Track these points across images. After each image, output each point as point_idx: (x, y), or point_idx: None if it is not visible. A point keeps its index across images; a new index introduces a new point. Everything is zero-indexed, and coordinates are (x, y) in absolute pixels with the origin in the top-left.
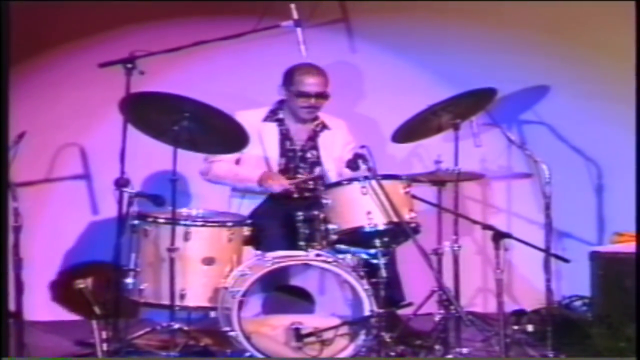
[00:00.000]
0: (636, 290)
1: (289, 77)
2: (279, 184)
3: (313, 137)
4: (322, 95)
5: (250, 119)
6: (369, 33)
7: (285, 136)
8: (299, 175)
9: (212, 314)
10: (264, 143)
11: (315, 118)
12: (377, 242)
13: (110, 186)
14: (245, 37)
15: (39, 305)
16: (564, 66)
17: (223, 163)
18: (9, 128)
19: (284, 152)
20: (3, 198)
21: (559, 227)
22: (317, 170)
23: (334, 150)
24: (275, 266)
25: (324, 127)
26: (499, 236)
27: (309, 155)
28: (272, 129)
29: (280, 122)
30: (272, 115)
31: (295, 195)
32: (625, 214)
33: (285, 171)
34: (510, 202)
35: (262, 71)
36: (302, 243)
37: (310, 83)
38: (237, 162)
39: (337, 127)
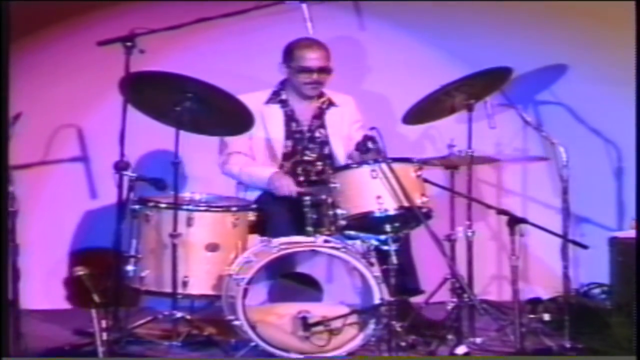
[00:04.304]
0: (636, 282)
1: (289, 53)
2: (288, 190)
3: (319, 115)
4: (325, 70)
5: (252, 102)
6: (379, 9)
7: (290, 117)
8: (307, 157)
9: (216, 302)
10: (268, 127)
11: (321, 95)
12: (388, 227)
13: (110, 169)
14: (250, 14)
15: (36, 293)
16: (582, 44)
17: (240, 157)
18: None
19: (289, 134)
20: (3, 186)
21: (577, 211)
22: (326, 150)
23: (342, 128)
24: (282, 253)
25: (331, 104)
26: (514, 221)
27: (317, 134)
28: (276, 111)
29: (284, 103)
30: (274, 97)
31: (301, 179)
32: None
33: (292, 153)
34: (526, 186)
35: (267, 50)
36: (309, 228)
37: (312, 58)
38: (250, 149)
39: (344, 104)
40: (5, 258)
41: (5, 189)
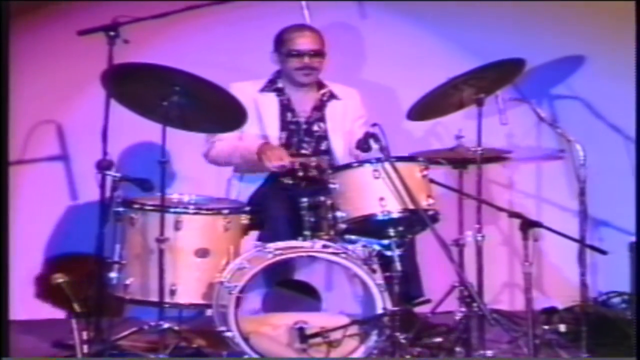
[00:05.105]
0: (636, 283)
1: (279, 39)
2: (278, 161)
3: (319, 108)
4: (317, 53)
5: (246, 90)
6: None
7: (286, 107)
8: (303, 151)
9: (207, 312)
10: (262, 116)
11: (322, 86)
12: (391, 231)
13: (92, 169)
14: (243, 2)
15: (12, 303)
16: (600, 34)
17: (224, 141)
18: None
19: (285, 125)
20: (3, 186)
21: (595, 214)
22: (324, 145)
23: (344, 123)
24: (277, 258)
25: (332, 96)
26: (527, 225)
27: (315, 127)
28: (271, 100)
29: (280, 91)
30: (270, 85)
31: (300, 174)
32: None
33: (286, 146)
34: (540, 187)
35: (261, 40)
36: (307, 232)
37: (301, 41)
38: (239, 139)
39: (348, 97)
40: (4, 258)
41: (4, 189)
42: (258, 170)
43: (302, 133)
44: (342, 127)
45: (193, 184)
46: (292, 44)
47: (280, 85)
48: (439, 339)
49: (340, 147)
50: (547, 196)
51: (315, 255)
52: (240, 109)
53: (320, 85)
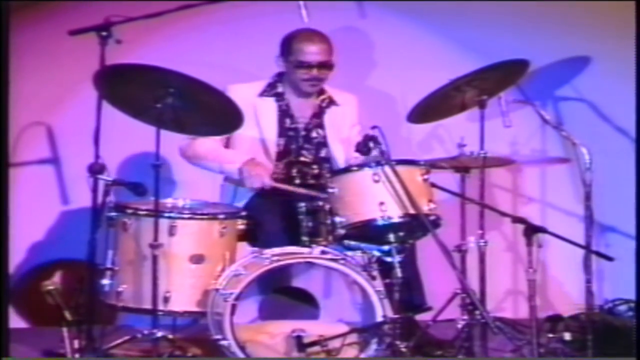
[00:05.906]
0: (636, 285)
1: (287, 45)
2: (260, 180)
3: (319, 114)
4: (326, 65)
5: (244, 93)
6: None
7: (285, 113)
8: (303, 159)
9: (202, 319)
10: (260, 121)
11: (321, 92)
12: (392, 237)
13: (83, 172)
14: (238, 1)
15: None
16: (606, 34)
17: (207, 140)
18: None
19: (283, 131)
20: (3, 186)
21: (601, 219)
22: (323, 152)
23: (342, 130)
24: (274, 265)
25: (331, 102)
26: (531, 230)
27: (314, 134)
28: (270, 105)
29: (280, 96)
30: (269, 89)
31: (297, 182)
32: None
33: (285, 153)
34: (544, 191)
35: (258, 40)
36: (305, 238)
37: (311, 51)
38: (227, 143)
39: (346, 104)
40: (5, 258)
41: (5, 188)
42: (232, 180)
43: (301, 139)
44: (340, 134)
45: (188, 188)
46: (301, 54)
47: (280, 90)
48: (439, 352)
49: (341, 154)
50: (552, 201)
51: (313, 261)
52: (237, 111)
53: (320, 91)
